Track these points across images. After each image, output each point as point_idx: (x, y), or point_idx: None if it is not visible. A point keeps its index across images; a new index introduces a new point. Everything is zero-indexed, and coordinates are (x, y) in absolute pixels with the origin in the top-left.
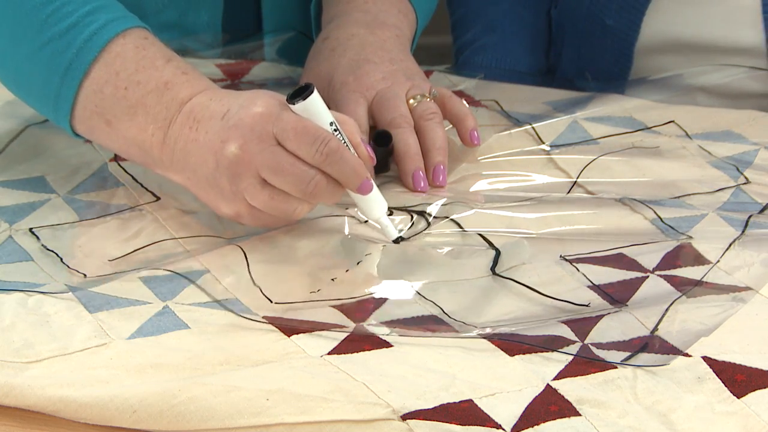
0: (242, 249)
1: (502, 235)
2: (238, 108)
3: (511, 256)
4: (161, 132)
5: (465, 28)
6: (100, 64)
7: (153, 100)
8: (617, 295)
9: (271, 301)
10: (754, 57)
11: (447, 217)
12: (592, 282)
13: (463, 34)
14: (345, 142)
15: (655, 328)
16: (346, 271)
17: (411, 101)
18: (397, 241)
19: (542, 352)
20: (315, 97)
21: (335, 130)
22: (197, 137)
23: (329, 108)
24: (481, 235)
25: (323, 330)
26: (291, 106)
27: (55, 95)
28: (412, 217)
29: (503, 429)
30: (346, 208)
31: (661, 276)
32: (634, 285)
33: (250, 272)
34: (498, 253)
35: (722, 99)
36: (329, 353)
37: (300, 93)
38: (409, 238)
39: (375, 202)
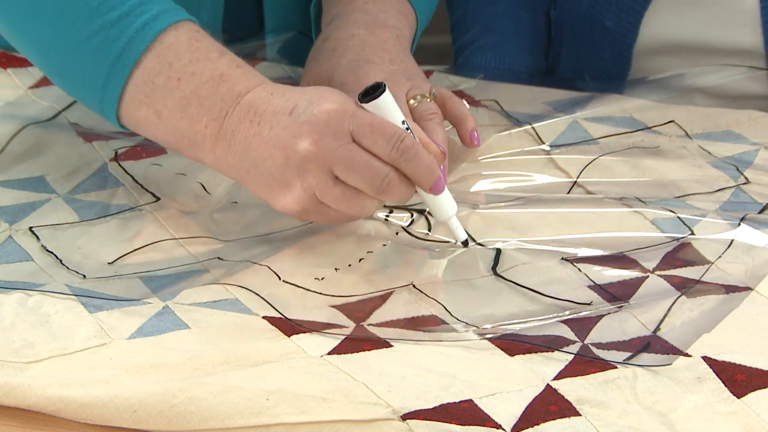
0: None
1: (501, 234)
2: (307, 104)
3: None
4: (216, 124)
5: (464, 28)
6: (152, 55)
7: (208, 92)
8: (618, 295)
9: (280, 278)
10: (752, 59)
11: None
12: (592, 281)
13: (462, 34)
14: (416, 139)
15: (657, 328)
16: (349, 265)
17: (411, 102)
18: (465, 243)
19: (542, 352)
20: (387, 96)
21: (407, 129)
22: (260, 131)
23: None
24: (476, 240)
25: (323, 330)
26: (364, 104)
27: (103, 85)
28: (412, 215)
29: (503, 429)
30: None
31: (661, 276)
32: (634, 285)
33: (256, 263)
34: (498, 252)
35: (721, 100)
36: (329, 353)
37: (371, 92)
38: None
39: (446, 202)
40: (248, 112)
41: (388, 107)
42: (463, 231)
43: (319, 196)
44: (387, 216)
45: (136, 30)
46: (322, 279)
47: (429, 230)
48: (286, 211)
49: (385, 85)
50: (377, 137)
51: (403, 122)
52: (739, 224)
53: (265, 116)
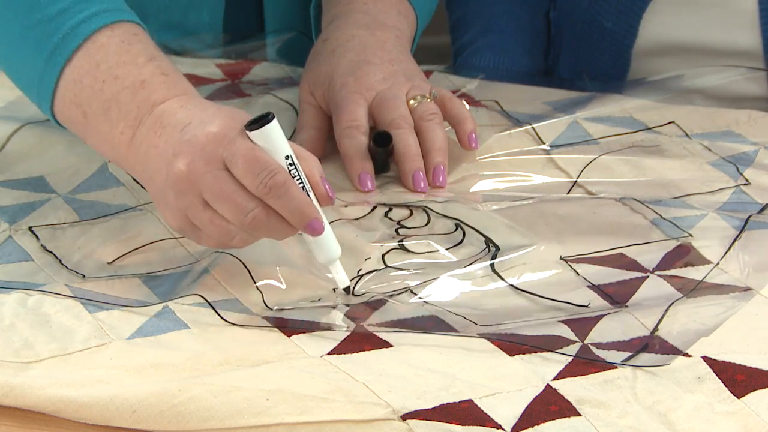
0: (240, 259)
1: (501, 234)
2: (198, 122)
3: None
4: (130, 131)
5: (463, 29)
6: (83, 53)
7: (127, 98)
8: (617, 295)
9: (271, 309)
10: (751, 60)
11: (447, 216)
12: (592, 282)
13: (461, 35)
14: (300, 178)
15: (655, 329)
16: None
17: (411, 102)
18: (347, 290)
19: (542, 352)
20: (273, 127)
21: (290, 165)
22: (158, 143)
23: (322, 114)
24: (481, 233)
25: (323, 330)
26: (248, 132)
27: (39, 79)
28: (411, 212)
29: (503, 429)
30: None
31: (661, 276)
32: (634, 285)
33: (252, 277)
34: (497, 249)
35: (719, 101)
36: (329, 353)
37: (259, 121)
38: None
39: (326, 245)
40: (156, 122)
41: (273, 140)
42: (345, 277)
43: (190, 218)
44: (387, 213)
45: (71, 27)
46: (319, 300)
47: (427, 223)
48: (169, 227)
49: (273, 116)
50: (247, 169)
51: (287, 157)
52: (745, 224)
53: (166, 129)
